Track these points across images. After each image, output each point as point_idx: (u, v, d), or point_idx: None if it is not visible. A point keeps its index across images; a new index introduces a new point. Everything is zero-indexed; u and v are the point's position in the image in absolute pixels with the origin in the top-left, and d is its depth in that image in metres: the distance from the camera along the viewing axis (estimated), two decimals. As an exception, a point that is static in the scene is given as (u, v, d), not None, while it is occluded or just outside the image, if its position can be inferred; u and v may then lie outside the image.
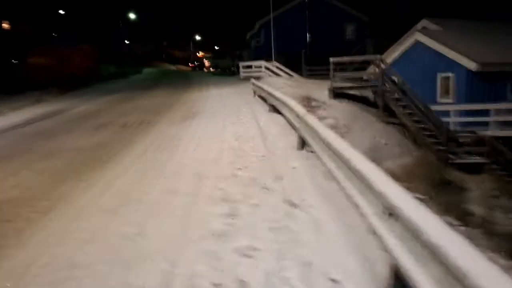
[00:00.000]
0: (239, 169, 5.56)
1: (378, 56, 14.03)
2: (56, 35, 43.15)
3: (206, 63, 46.59)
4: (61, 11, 45.49)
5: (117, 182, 4.97)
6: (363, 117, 13.73)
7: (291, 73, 22.56)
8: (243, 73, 22.69)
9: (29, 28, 39.61)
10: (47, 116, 11.61)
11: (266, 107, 11.77)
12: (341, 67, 18.11)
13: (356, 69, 25.22)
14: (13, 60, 24.45)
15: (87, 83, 22.11)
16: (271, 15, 24.08)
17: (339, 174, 4.28)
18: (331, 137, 4.72)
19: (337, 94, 14.29)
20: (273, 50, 23.20)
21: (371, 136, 12.11)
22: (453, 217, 8.59)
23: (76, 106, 13.60)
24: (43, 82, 19.89)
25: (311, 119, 5.54)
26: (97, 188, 4.79)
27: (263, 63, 21.89)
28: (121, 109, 12.09)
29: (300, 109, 6.60)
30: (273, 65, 22.38)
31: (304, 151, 6.75)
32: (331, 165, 4.64)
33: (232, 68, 45.74)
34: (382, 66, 13.90)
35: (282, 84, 17.79)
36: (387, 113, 14.03)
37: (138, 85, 23.10)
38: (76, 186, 4.94)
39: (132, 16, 43.43)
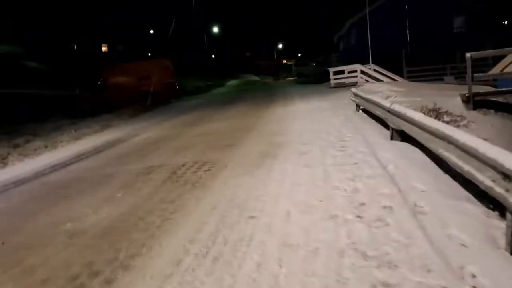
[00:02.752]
0: None
1: (545, 44, 9.17)
2: (150, 54, 43.54)
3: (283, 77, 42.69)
4: (151, 31, 45.97)
5: None
6: (524, 136, 9.00)
7: (394, 76, 17.99)
8: (334, 79, 18.71)
9: (122, 49, 40.39)
10: (99, 150, 9.04)
11: (380, 128, 7.85)
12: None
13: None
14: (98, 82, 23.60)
15: (166, 101, 20.03)
16: (367, 9, 19.72)
17: None
18: None
19: (477, 103, 9.72)
20: (369, 50, 18.82)
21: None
22: None
23: (139, 133, 11.00)
24: (120, 103, 18.21)
25: None
26: None
27: (358, 66, 17.68)
28: (184, 138, 9.07)
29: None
30: (371, 68, 18.04)
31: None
32: None
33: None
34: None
35: (389, 91, 13.48)
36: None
37: (218, 100, 20.44)
38: None
39: (215, 30, 41.92)
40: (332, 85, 18.43)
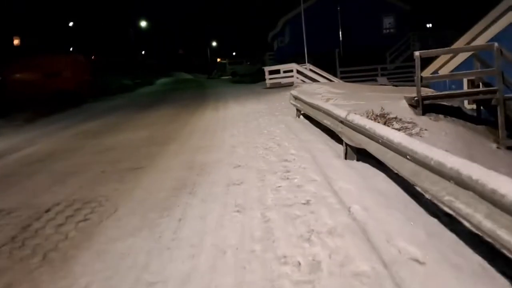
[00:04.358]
0: None
1: (494, 44, 8.22)
2: (71, 48, 38.73)
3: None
4: (70, 24, 40.98)
5: None
6: (478, 143, 8.00)
7: (330, 76, 16.85)
8: (269, 79, 17.08)
9: (36, 42, 35.20)
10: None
11: (327, 140, 6.25)
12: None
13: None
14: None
15: (79, 101, 16.94)
16: (302, 7, 18.36)
17: None
18: None
19: (427, 107, 8.61)
20: (305, 49, 17.50)
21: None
22: None
23: (25, 146, 8.32)
24: (24, 103, 14.91)
25: None
26: None
27: (294, 66, 16.22)
28: (79, 156, 6.72)
29: None
30: (307, 68, 16.71)
31: None
32: None
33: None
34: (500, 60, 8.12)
35: (329, 93, 12.13)
36: (508, 133, 8.39)
37: (142, 101, 17.82)
38: None
39: (143, 24, 38.41)
40: (268, 85, 16.81)
